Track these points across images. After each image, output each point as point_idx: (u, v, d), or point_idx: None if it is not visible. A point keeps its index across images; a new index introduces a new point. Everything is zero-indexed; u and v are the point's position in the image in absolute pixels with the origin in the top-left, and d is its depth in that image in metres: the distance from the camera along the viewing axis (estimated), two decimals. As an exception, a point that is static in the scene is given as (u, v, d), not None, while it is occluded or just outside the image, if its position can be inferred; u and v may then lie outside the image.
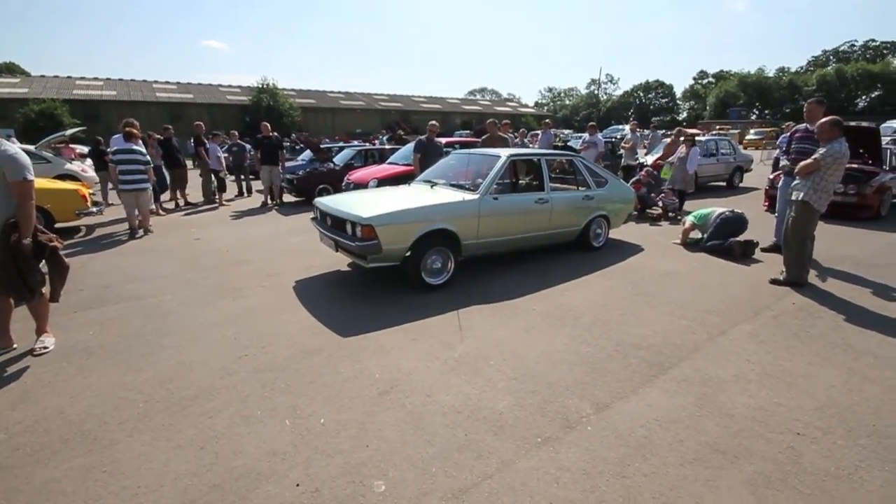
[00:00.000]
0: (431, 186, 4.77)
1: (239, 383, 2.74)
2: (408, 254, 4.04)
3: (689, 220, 5.82)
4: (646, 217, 7.61)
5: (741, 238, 5.39)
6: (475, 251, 4.46)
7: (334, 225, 4.26)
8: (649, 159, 9.96)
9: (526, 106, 67.44)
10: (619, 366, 2.89)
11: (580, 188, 5.42)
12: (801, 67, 61.47)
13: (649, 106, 70.34)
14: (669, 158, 8.81)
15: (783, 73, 60.53)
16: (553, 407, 2.49)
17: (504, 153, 4.78)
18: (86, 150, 13.85)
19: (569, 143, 12.98)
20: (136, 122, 7.16)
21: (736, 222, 5.50)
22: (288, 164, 10.82)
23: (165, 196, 9.48)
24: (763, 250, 5.26)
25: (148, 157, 6.87)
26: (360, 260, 3.97)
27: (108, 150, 7.95)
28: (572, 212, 5.17)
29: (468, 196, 4.32)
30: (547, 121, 11.07)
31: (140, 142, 7.19)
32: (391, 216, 3.88)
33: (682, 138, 7.98)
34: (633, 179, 8.07)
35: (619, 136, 16.51)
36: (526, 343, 3.20)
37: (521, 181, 6.04)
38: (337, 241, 4.09)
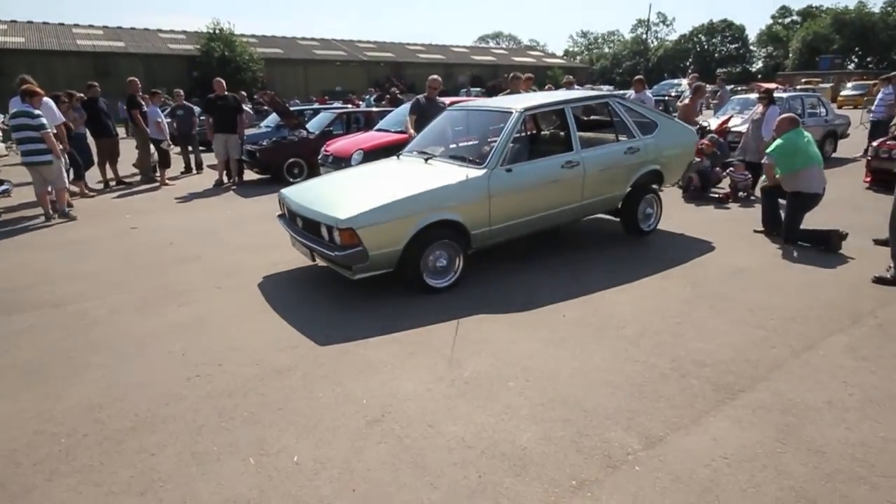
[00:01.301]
0: (426, 160, 4.75)
1: (189, 411, 2.75)
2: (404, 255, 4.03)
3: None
4: (709, 198, 7.57)
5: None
6: (488, 241, 4.44)
7: (307, 227, 4.23)
8: (714, 123, 9.89)
9: (553, 56, 67.14)
10: (676, 388, 2.88)
11: (621, 138, 5.31)
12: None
13: (713, 54, 69.82)
14: (730, 122, 8.72)
15: (893, 7, 59.39)
16: (591, 441, 2.49)
17: (516, 106, 4.70)
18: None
19: None
20: (32, 79, 7.08)
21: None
22: (248, 131, 10.85)
23: (92, 173, 9.51)
24: (877, 242, 5.22)
25: (42, 119, 6.69)
26: (344, 271, 3.98)
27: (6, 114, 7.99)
28: (612, 172, 5.09)
29: (473, 171, 4.29)
30: (570, 77, 10.97)
31: (47, 102, 7.15)
32: (376, 212, 3.84)
33: (755, 94, 7.92)
34: None
35: (674, 94, 16.37)
36: (555, 359, 3.20)
37: (540, 140, 5.97)
38: (312, 248, 4.09)
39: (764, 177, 5.40)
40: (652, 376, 3.00)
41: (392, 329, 3.62)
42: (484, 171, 4.30)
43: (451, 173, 4.33)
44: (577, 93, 5.52)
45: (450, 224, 4.14)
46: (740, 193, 7.49)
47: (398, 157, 5.26)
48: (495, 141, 4.57)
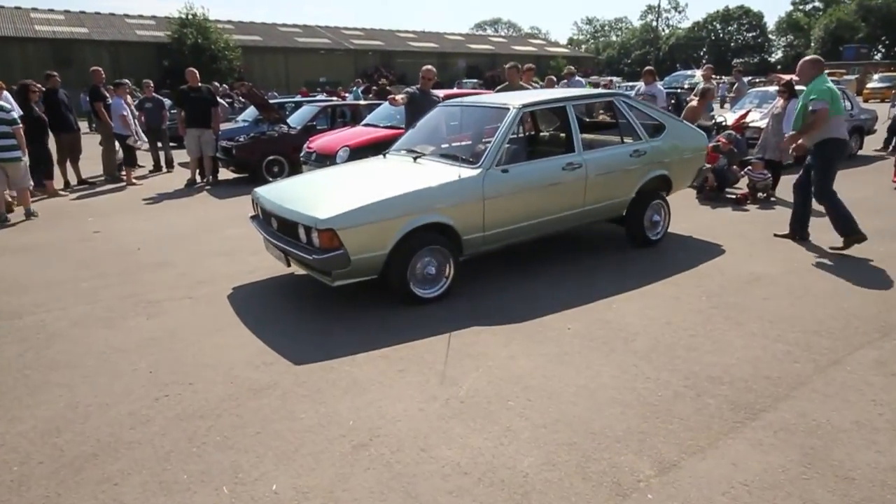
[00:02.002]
0: (415, 159, 4.77)
1: (156, 435, 2.73)
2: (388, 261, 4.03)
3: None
4: (725, 199, 7.61)
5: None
6: (481, 247, 4.45)
7: (282, 228, 4.22)
8: (730, 118, 9.95)
9: (556, 44, 67.58)
10: (691, 408, 2.88)
11: (626, 140, 5.36)
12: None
13: (729, 43, 70.36)
14: (748, 117, 8.73)
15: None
16: (598, 466, 2.48)
17: (514, 102, 4.75)
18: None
19: None
20: None
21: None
22: (224, 126, 10.83)
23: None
24: None
25: (14, 113, 6.77)
26: (322, 277, 3.97)
27: None
28: (617, 176, 5.13)
29: (466, 171, 4.30)
30: (570, 68, 11.06)
31: (5, 94, 7.17)
32: (359, 212, 3.83)
33: (775, 87, 7.98)
34: (709, 146, 8.06)
35: (686, 86, 16.47)
36: (559, 376, 3.20)
37: (539, 140, 5.99)
38: (287, 251, 4.07)
39: (796, 144, 5.17)
40: (664, 395, 3.00)
41: (379, 343, 3.60)
42: (478, 171, 4.31)
43: (442, 173, 4.34)
44: (579, 90, 5.57)
45: (440, 228, 4.14)
46: (759, 194, 7.53)
47: (384, 155, 5.28)
48: (490, 140, 4.59)
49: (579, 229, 5.41)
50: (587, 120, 6.39)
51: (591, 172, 4.88)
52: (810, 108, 5.09)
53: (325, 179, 4.87)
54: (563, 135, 5.49)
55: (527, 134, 6.04)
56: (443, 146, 5.28)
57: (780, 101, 7.63)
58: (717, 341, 3.60)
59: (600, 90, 6.53)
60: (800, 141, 5.18)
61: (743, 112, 9.93)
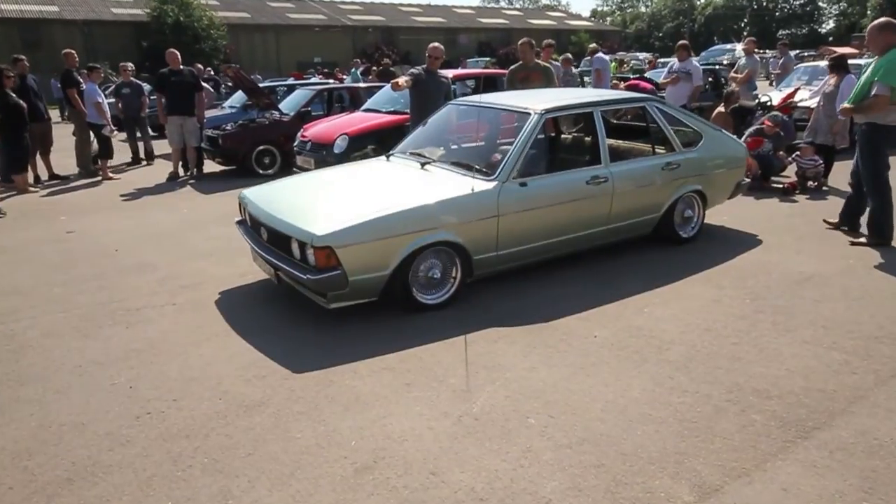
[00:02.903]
0: (422, 165, 4.79)
1: (137, 458, 2.74)
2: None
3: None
4: (771, 188, 7.56)
5: None
6: (494, 267, 4.49)
7: (273, 240, 4.23)
8: (776, 97, 9.87)
9: (578, 17, 67.30)
10: (735, 426, 2.86)
11: (657, 151, 5.39)
12: None
13: (774, 12, 69.57)
14: (796, 96, 8.65)
15: None
16: (630, 491, 2.47)
17: (536, 107, 4.77)
18: None
19: (645, 76, 12.89)
20: None
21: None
22: (209, 113, 10.88)
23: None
24: None
25: None
26: (317, 298, 3.98)
27: None
28: (646, 192, 5.16)
29: (480, 183, 4.30)
30: (595, 45, 10.99)
31: None
32: (361, 229, 3.83)
33: (825, 61, 7.90)
34: (751, 130, 8.01)
35: (726, 62, 16.35)
36: (585, 390, 3.18)
37: (561, 148, 6.01)
38: (277, 267, 4.09)
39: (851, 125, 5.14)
40: (704, 410, 2.98)
41: (383, 352, 3.60)
42: (493, 183, 4.32)
43: (453, 184, 4.36)
44: (607, 93, 5.56)
45: (448, 245, 4.16)
46: (809, 183, 7.48)
47: (388, 157, 5.30)
48: (508, 147, 4.59)
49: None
50: (613, 122, 6.39)
51: (619, 187, 4.89)
52: (873, 90, 4.99)
53: (323, 185, 4.90)
54: (588, 142, 5.51)
55: (547, 141, 6.06)
56: (453, 149, 5.30)
57: (832, 79, 7.55)
58: (763, 350, 3.57)
59: (632, 94, 6.47)
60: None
61: (790, 90, 9.84)
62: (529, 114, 4.69)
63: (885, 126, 5.08)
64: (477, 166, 4.58)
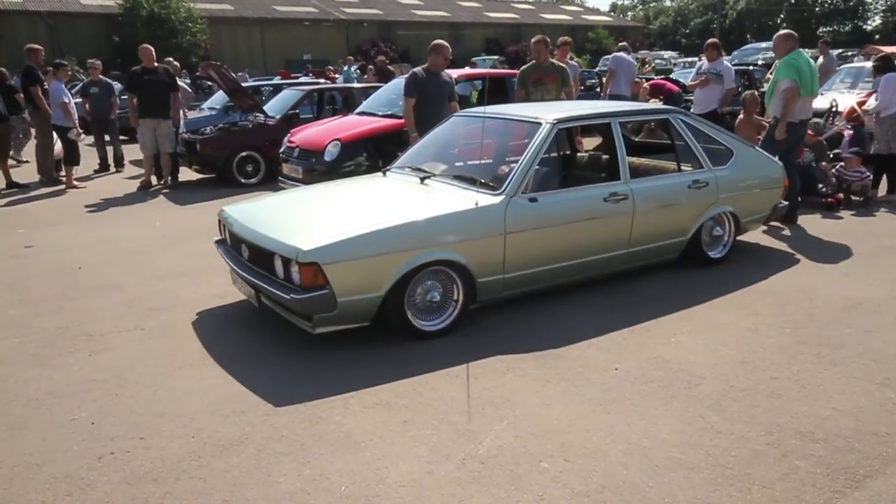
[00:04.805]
0: (422, 180, 4.83)
1: (99, 503, 2.68)
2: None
3: None
4: (813, 203, 7.52)
5: None
6: (501, 293, 4.50)
7: (255, 258, 4.25)
8: (841, 102, 9.83)
9: (595, 12, 67.92)
10: (776, 473, 2.82)
11: (683, 168, 5.39)
12: None
13: (814, 8, 70.00)
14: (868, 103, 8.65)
15: None
16: (658, 548, 2.41)
17: (547, 117, 4.81)
18: None
19: (671, 77, 12.92)
20: None
21: None
22: (186, 115, 10.91)
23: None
24: None
25: None
26: (301, 322, 3.99)
27: None
28: (671, 211, 5.18)
29: (485, 198, 4.33)
30: (622, 42, 11.01)
31: None
32: (350, 244, 3.85)
33: (870, 61, 7.92)
34: (829, 135, 8.06)
35: (760, 62, 16.39)
36: (605, 430, 3.16)
37: (576, 162, 6.07)
38: (258, 288, 4.11)
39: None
40: (740, 454, 2.94)
41: (377, 384, 3.58)
42: (500, 198, 4.34)
43: (454, 199, 4.39)
44: (626, 104, 5.63)
45: (449, 265, 4.18)
46: (855, 197, 7.49)
47: (384, 173, 5.36)
48: (516, 160, 4.62)
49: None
50: (635, 139, 6.44)
51: (640, 206, 4.90)
52: None
53: (311, 200, 4.97)
54: (605, 156, 5.57)
55: (560, 154, 6.12)
56: (457, 164, 5.35)
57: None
58: (806, 386, 3.54)
59: (654, 106, 6.49)
60: None
61: (864, 96, 9.76)
62: (541, 123, 4.73)
63: None
64: (482, 180, 4.61)
